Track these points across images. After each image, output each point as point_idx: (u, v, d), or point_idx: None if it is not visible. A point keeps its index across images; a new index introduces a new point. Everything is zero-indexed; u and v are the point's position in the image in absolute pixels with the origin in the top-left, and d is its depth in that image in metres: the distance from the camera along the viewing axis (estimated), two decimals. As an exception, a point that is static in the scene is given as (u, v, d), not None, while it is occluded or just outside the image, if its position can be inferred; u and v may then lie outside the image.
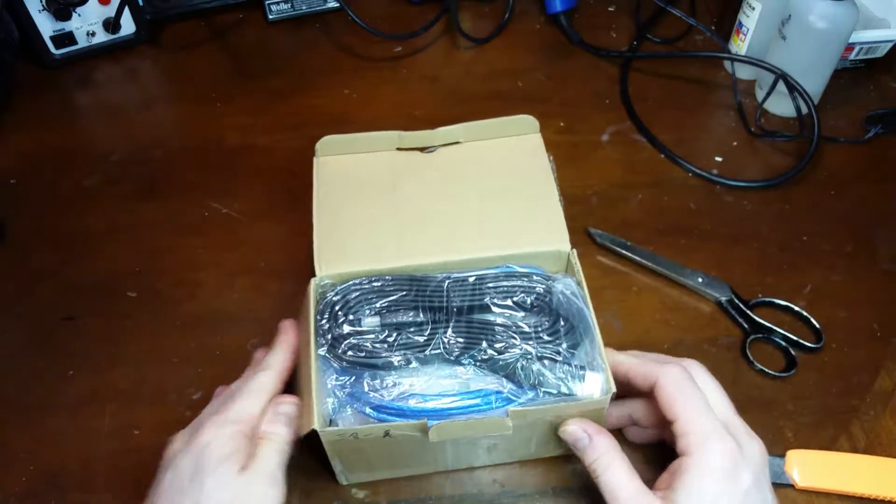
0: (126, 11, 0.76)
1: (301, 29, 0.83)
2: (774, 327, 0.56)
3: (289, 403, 0.45)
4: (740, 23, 0.75)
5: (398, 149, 0.56)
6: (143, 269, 0.61)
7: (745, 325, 0.57)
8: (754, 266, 0.61)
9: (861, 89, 0.76)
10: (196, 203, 0.65)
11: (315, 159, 0.55)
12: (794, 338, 0.56)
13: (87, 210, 0.65)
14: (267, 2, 0.81)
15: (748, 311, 0.57)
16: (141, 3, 0.77)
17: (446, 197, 0.53)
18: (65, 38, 0.75)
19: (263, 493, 0.41)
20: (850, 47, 0.73)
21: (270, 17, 0.82)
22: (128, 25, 0.78)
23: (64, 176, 0.68)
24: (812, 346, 0.56)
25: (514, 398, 0.45)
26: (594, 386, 0.44)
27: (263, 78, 0.77)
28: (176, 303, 0.59)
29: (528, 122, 0.56)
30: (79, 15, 0.74)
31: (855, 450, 0.51)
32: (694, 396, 0.41)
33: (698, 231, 0.64)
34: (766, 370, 0.55)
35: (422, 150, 0.56)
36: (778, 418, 0.52)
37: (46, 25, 0.74)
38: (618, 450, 0.42)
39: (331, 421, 0.45)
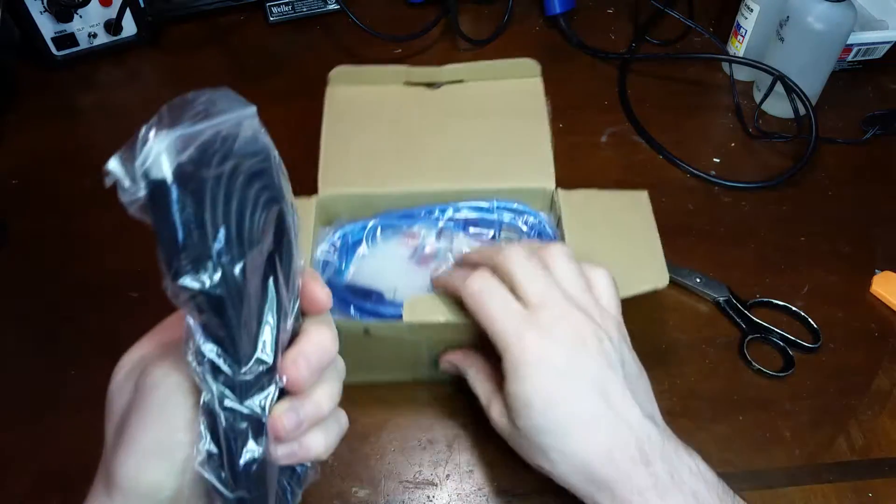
0: (127, 13, 0.76)
1: (302, 31, 0.83)
2: (772, 327, 0.57)
3: None
4: (738, 24, 0.75)
5: (406, 83, 0.59)
6: (145, 269, 0.61)
7: (743, 325, 0.57)
8: (752, 266, 0.62)
9: (859, 90, 0.76)
10: (197, 204, 0.65)
11: (328, 88, 0.59)
12: (792, 338, 0.56)
13: (88, 210, 0.65)
14: (268, 4, 0.81)
15: (746, 312, 0.57)
16: (142, 5, 0.78)
17: (446, 132, 0.57)
18: (66, 40, 0.76)
19: None
20: (848, 49, 0.73)
21: (271, 19, 0.82)
22: (129, 27, 0.78)
23: (65, 176, 0.68)
24: (810, 346, 0.56)
25: None
26: None
27: (264, 79, 0.78)
28: (177, 303, 0.59)
29: (530, 65, 0.59)
30: (80, 16, 0.75)
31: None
32: (493, 299, 0.41)
33: (696, 231, 0.64)
34: (764, 370, 0.55)
35: (428, 86, 0.59)
36: (775, 418, 0.53)
37: (48, 27, 0.74)
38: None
39: None
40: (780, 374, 0.55)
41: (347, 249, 0.54)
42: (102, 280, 0.61)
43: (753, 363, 0.55)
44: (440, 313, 0.46)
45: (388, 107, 0.58)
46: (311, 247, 0.51)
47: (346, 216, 0.54)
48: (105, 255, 0.62)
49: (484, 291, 0.41)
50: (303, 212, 0.51)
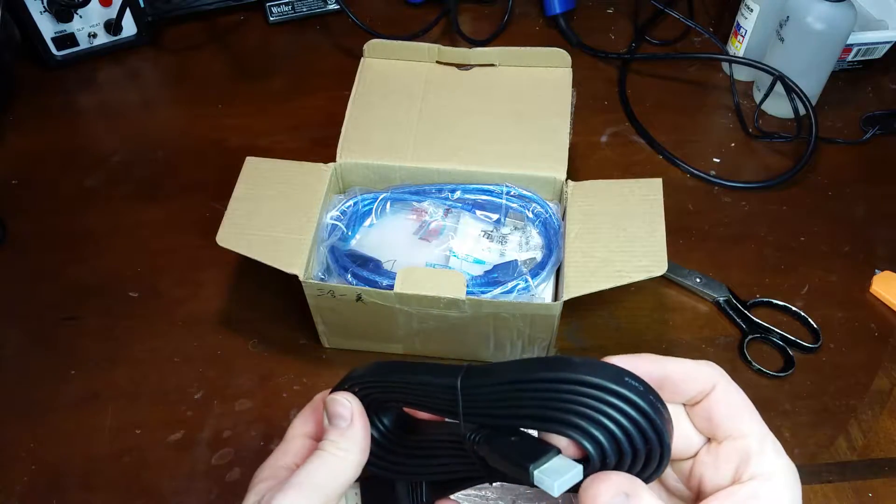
0: (127, 13, 0.76)
1: (301, 31, 0.83)
2: (772, 327, 0.57)
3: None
4: (738, 24, 0.75)
5: (437, 62, 0.61)
6: (145, 269, 0.61)
7: (743, 326, 0.57)
8: (752, 266, 0.62)
9: (859, 90, 0.76)
10: (197, 203, 0.65)
11: (362, 60, 0.61)
12: (792, 338, 0.56)
13: (88, 210, 0.65)
14: (268, 4, 0.81)
15: (746, 312, 0.57)
16: (142, 5, 0.78)
17: (468, 113, 0.58)
18: (66, 40, 0.76)
19: None
20: (847, 49, 0.73)
21: (271, 18, 0.82)
22: (129, 27, 0.78)
23: (65, 176, 0.68)
24: (810, 346, 0.56)
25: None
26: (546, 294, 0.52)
27: (264, 79, 0.78)
28: (177, 303, 0.59)
29: (561, 55, 0.60)
30: (80, 17, 0.75)
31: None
32: (755, 410, 0.34)
33: (696, 231, 0.64)
34: (764, 370, 0.55)
35: (458, 66, 0.60)
36: (775, 418, 0.53)
37: (48, 27, 0.74)
38: (643, 488, 0.36)
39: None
40: (780, 374, 0.55)
41: (357, 218, 0.55)
42: (102, 280, 0.61)
43: (753, 363, 0.55)
44: (430, 287, 0.47)
45: (417, 83, 0.60)
46: (322, 212, 0.52)
47: (360, 186, 0.56)
48: (105, 255, 0.62)
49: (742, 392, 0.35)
50: (318, 177, 0.53)
